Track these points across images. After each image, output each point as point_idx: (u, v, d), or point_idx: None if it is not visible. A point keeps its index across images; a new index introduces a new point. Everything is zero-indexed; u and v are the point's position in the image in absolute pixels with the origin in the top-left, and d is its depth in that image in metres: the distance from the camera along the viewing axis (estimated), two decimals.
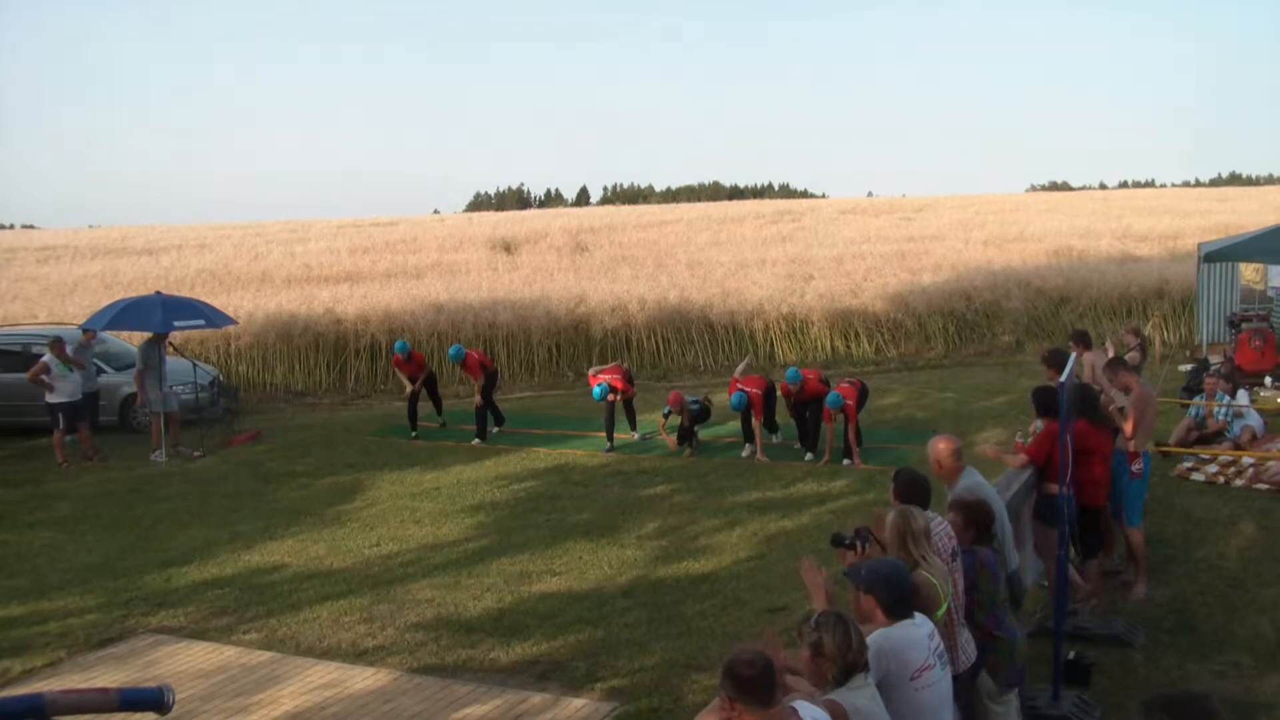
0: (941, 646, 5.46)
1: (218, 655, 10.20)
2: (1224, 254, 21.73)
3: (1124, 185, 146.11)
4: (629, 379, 18.67)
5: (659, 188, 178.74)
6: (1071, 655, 8.63)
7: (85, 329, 19.82)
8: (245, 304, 27.34)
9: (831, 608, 5.27)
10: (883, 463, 15.88)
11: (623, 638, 10.18)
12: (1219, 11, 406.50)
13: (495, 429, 19.67)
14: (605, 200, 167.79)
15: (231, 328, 23.30)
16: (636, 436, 18.66)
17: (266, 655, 10.16)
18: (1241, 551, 11.62)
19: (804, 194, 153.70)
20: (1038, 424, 10.17)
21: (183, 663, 10.07)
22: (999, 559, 6.98)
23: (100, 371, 20.54)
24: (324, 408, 23.93)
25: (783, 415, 18.05)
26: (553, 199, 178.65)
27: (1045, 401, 9.84)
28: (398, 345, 20.26)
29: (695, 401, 17.92)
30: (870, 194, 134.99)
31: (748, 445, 17.37)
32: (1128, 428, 10.48)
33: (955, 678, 5.76)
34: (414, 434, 19.76)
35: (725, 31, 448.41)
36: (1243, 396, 16.77)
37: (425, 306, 26.91)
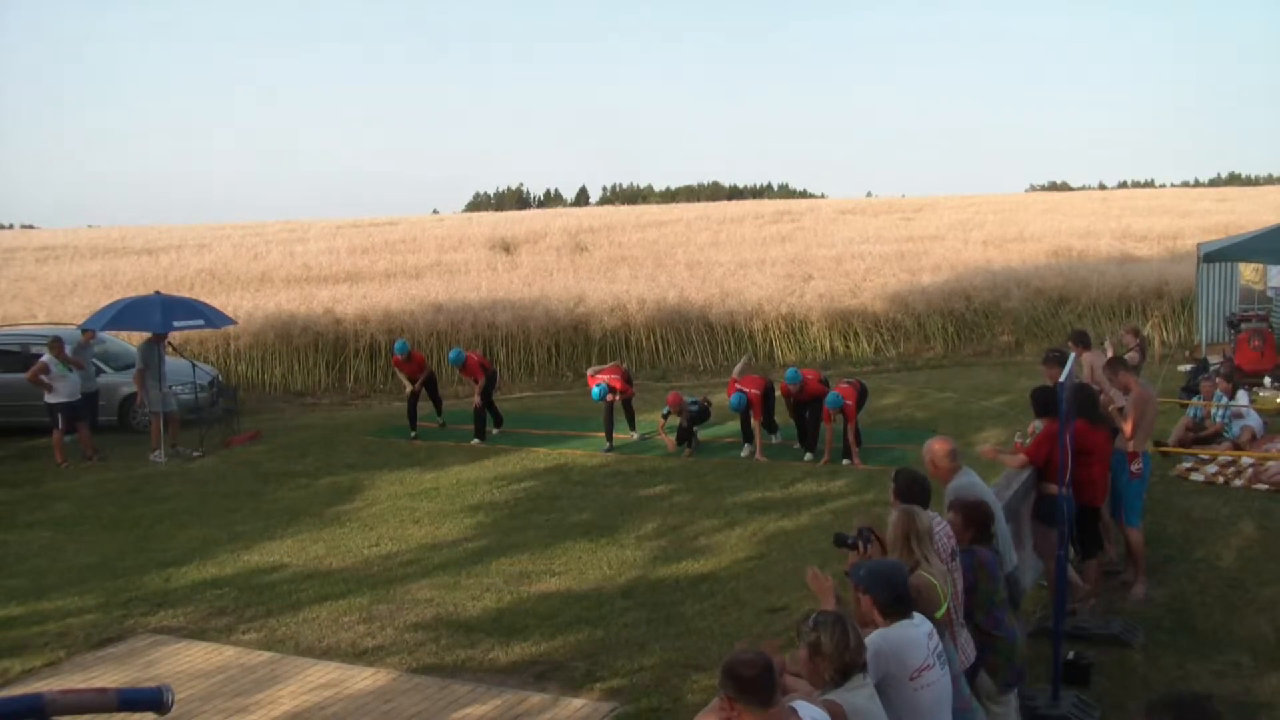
0: (940, 646, 5.46)
1: (217, 655, 10.20)
2: (1223, 254, 21.73)
3: (1123, 185, 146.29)
4: (628, 379, 18.66)
5: (658, 188, 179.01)
6: (1071, 655, 8.63)
7: (84, 329, 19.82)
8: (244, 304, 27.35)
9: (839, 609, 5.27)
10: (882, 463, 15.87)
11: (622, 638, 10.18)
12: (1218, 11, 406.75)
13: (495, 430, 19.64)
14: (604, 200, 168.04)
15: (231, 328, 23.28)
16: (635, 436, 18.66)
17: (266, 655, 10.16)
18: (1240, 551, 11.62)
19: (803, 194, 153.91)
20: (1037, 424, 10.16)
21: (182, 663, 10.06)
22: (998, 559, 6.98)
23: (99, 371, 20.54)
24: (323, 408, 23.93)
25: (782, 415, 18.04)
26: (552, 199, 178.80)
27: (1044, 402, 9.84)
28: (397, 345, 20.24)
29: (694, 402, 17.92)
30: (870, 194, 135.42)
31: (746, 445, 17.36)
32: (1127, 428, 10.49)
33: (954, 678, 5.76)
34: (413, 434, 19.74)
35: (725, 31, 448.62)
36: (1242, 397, 16.78)
37: (424, 306, 26.91)
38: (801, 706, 4.51)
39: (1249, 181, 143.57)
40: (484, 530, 13.78)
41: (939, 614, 5.85)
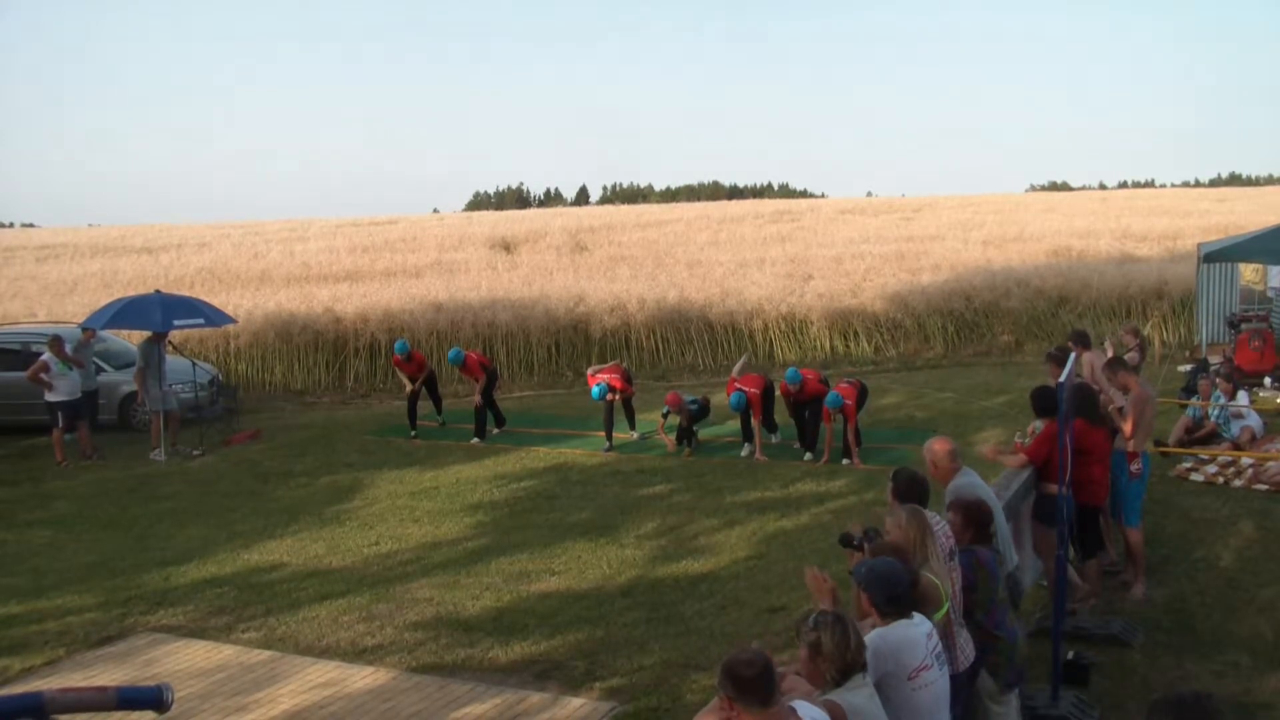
0: (939, 647, 5.46)
1: (216, 654, 10.20)
2: (1223, 254, 21.72)
3: (1123, 185, 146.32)
4: (628, 378, 18.65)
5: (658, 187, 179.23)
6: (1070, 655, 8.63)
7: (84, 328, 19.83)
8: (244, 303, 27.36)
9: (839, 609, 5.27)
10: (882, 463, 15.87)
11: (621, 637, 10.17)
12: (1219, 12, 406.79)
13: (496, 430, 19.64)
14: (605, 200, 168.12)
15: (231, 326, 23.30)
16: (635, 436, 18.66)
17: (265, 654, 10.16)
18: (1240, 551, 11.62)
19: (803, 194, 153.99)
20: (1037, 424, 10.16)
21: (181, 661, 10.06)
22: (998, 559, 6.98)
23: (99, 370, 20.55)
24: (323, 407, 23.94)
25: (782, 415, 18.03)
26: (552, 198, 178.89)
27: (1044, 402, 9.84)
28: (397, 346, 20.25)
29: (694, 401, 17.93)
30: (869, 194, 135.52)
31: (746, 445, 17.36)
32: (1126, 428, 10.49)
33: (954, 678, 5.76)
34: (413, 433, 19.74)
35: (725, 31, 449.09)
36: (1242, 397, 16.77)
37: (424, 306, 26.92)
38: (801, 706, 4.50)
39: (1249, 182, 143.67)
40: (483, 529, 13.78)
41: (940, 615, 5.85)
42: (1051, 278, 29.21)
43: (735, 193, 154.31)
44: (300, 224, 66.09)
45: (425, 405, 20.39)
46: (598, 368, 19.00)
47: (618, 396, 18.21)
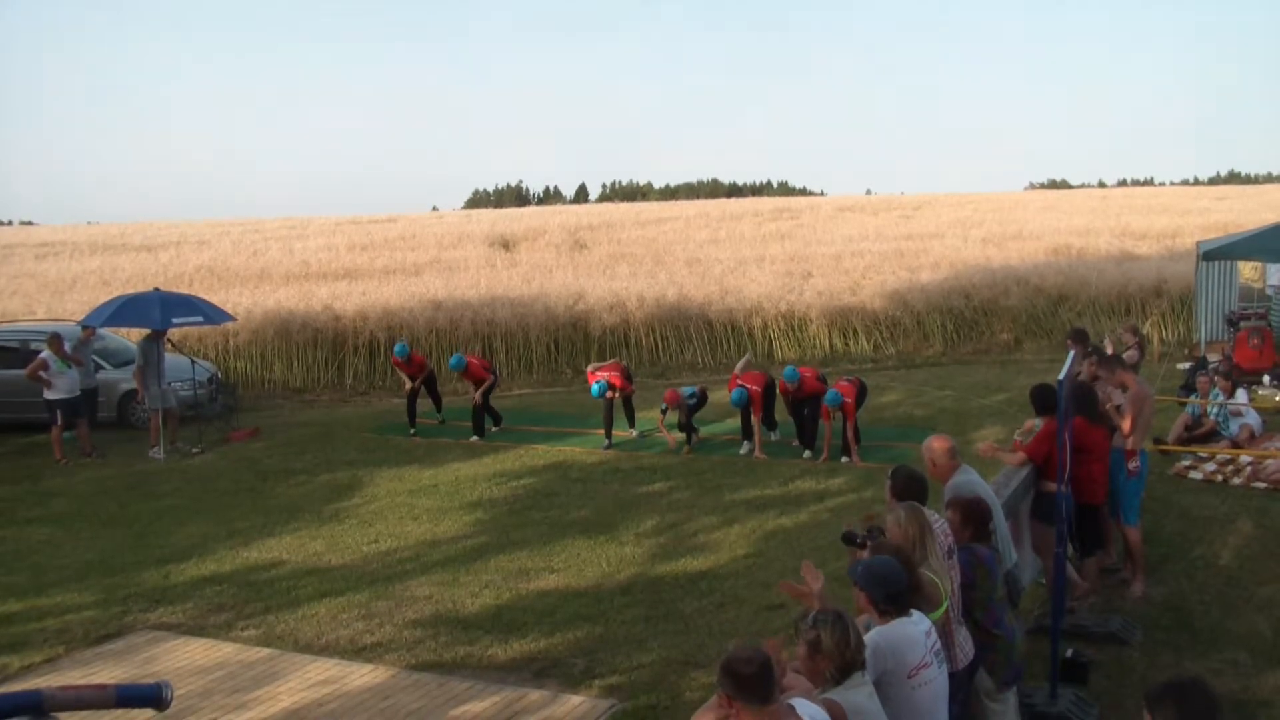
0: (939, 645, 5.47)
1: (216, 652, 10.20)
2: (1222, 252, 21.74)
3: (1123, 183, 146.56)
4: (628, 376, 18.67)
5: (658, 185, 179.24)
6: (1069, 653, 8.64)
7: (84, 325, 19.85)
8: (244, 301, 27.36)
9: (838, 607, 5.27)
10: (881, 460, 15.87)
11: (621, 635, 10.18)
12: (1219, 10, 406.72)
13: (494, 428, 19.67)
14: (604, 197, 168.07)
15: (230, 324, 23.29)
16: (635, 434, 18.67)
17: (265, 652, 10.17)
18: (1239, 550, 11.62)
19: (803, 192, 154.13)
20: (1036, 422, 10.17)
21: (181, 659, 10.07)
22: (996, 557, 6.98)
23: (99, 368, 20.56)
24: (322, 405, 23.94)
25: (781, 414, 18.03)
26: (551, 196, 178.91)
27: (1043, 399, 9.85)
28: (397, 349, 20.30)
29: (691, 395, 17.97)
30: (869, 192, 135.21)
31: (746, 443, 17.36)
32: (1125, 426, 10.49)
33: (952, 675, 5.77)
34: (413, 431, 19.76)
35: (725, 29, 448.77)
36: (1241, 395, 16.78)
37: (424, 304, 26.93)
38: (800, 704, 4.51)
39: (1248, 180, 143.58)
40: (483, 527, 13.78)
41: (939, 613, 5.86)
42: (1051, 276, 29.22)
43: (734, 190, 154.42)
44: (299, 222, 66.10)
45: (425, 404, 20.40)
46: (598, 365, 19.02)
47: (617, 394, 18.22)
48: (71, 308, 26.24)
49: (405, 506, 14.95)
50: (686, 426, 17.86)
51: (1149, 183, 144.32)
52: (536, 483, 16.01)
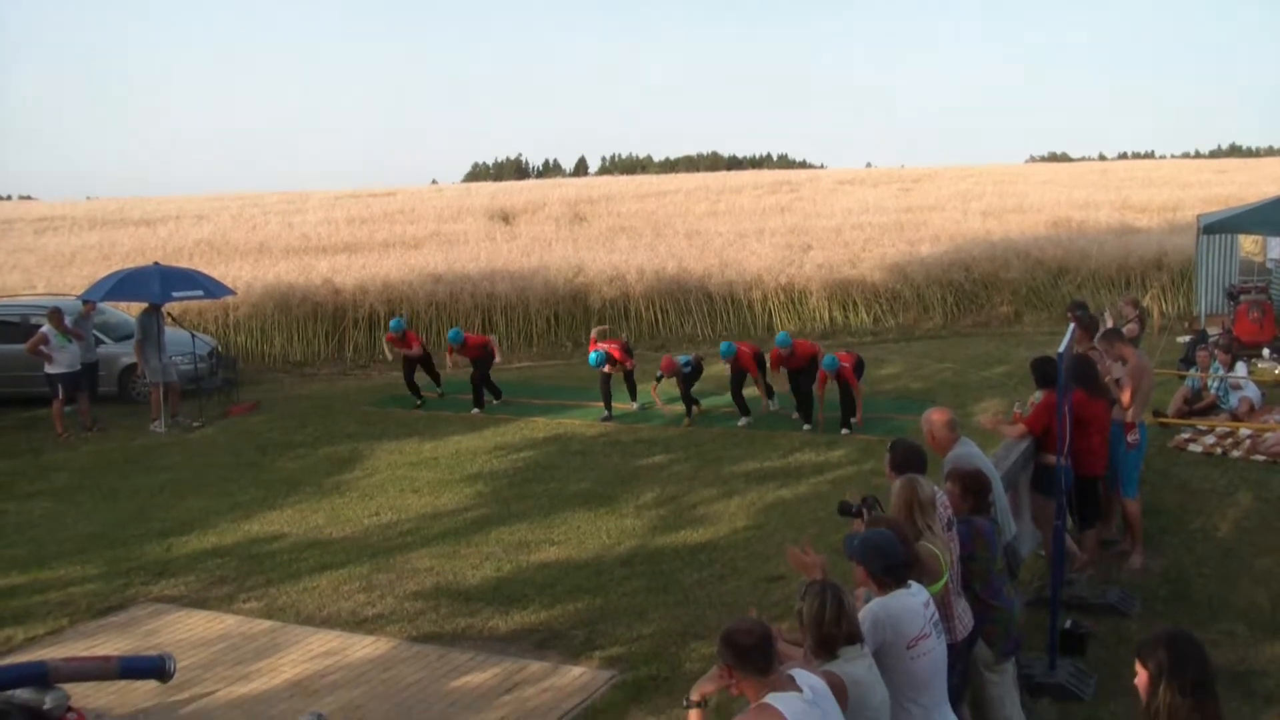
0: (937, 616, 5.49)
1: (218, 624, 10.26)
2: (1223, 225, 21.72)
3: (1123, 156, 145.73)
4: (627, 351, 18.70)
5: (657, 158, 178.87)
6: (1068, 624, 8.67)
7: (84, 300, 19.84)
8: (243, 274, 27.30)
9: (828, 580, 5.28)
10: (880, 433, 15.90)
11: (621, 606, 10.23)
12: None
13: (494, 401, 19.71)
14: (603, 170, 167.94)
15: (230, 298, 23.25)
16: (636, 406, 18.68)
17: (267, 624, 10.23)
18: (1237, 522, 11.66)
19: (802, 165, 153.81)
20: (1036, 395, 10.19)
21: (183, 631, 10.13)
22: (996, 529, 7.00)
23: (99, 342, 20.54)
24: (322, 378, 23.94)
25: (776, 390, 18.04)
26: (551, 169, 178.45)
27: (1043, 372, 9.86)
28: (393, 323, 20.40)
29: (687, 363, 17.90)
30: (869, 165, 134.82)
31: (744, 418, 17.40)
32: (1124, 398, 10.50)
33: (951, 647, 5.79)
34: (419, 402, 20.02)
35: (724, 2, 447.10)
36: (1240, 368, 16.80)
37: (423, 277, 26.86)
38: (799, 674, 4.54)
39: (1249, 153, 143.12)
40: (483, 500, 13.81)
41: (939, 585, 5.88)
42: (1051, 249, 29.14)
43: (734, 163, 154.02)
44: (298, 196, 65.90)
45: (425, 380, 20.43)
46: (602, 331, 19.13)
47: (617, 369, 18.27)
48: (71, 282, 26.21)
49: (406, 479, 14.98)
50: (686, 399, 17.89)
51: (1150, 156, 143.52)
52: (537, 455, 16.04)
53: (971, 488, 6.88)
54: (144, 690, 8.57)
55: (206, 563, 11.95)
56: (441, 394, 20.52)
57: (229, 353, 23.97)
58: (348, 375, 24.26)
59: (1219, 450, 14.28)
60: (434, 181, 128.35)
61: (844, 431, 16.42)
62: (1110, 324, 14.00)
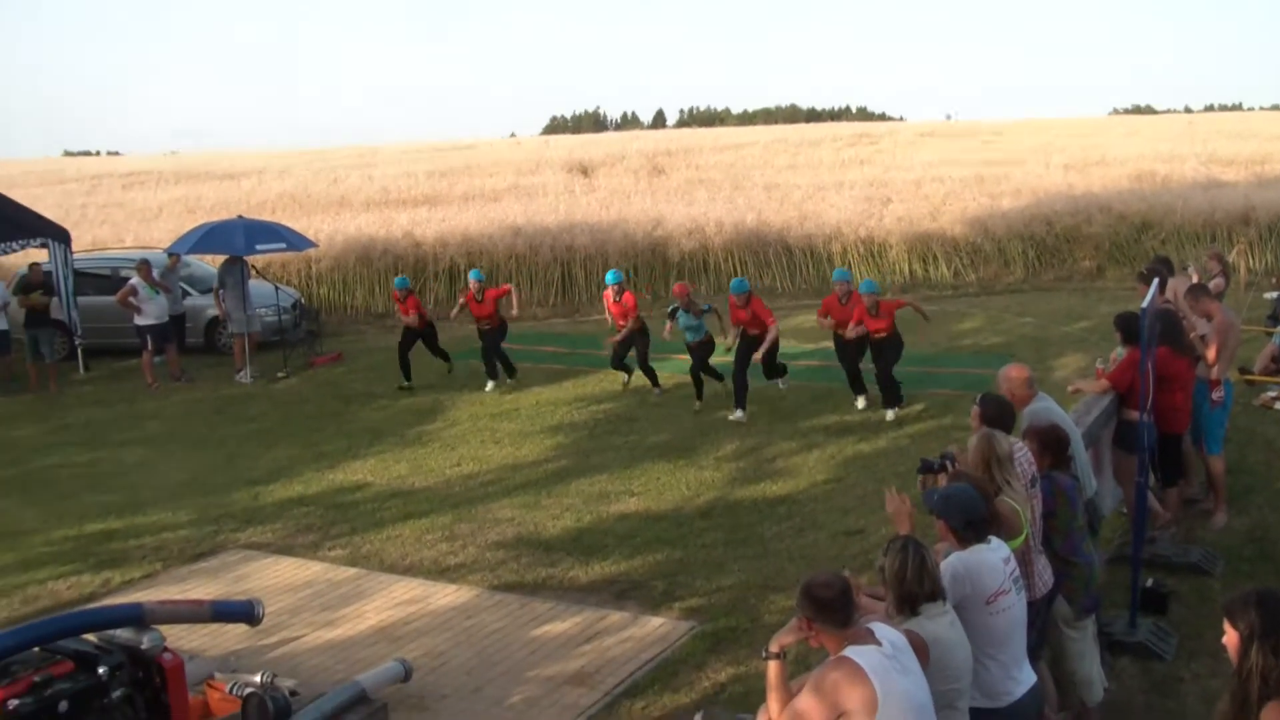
0: (1017, 572, 5.48)
1: (304, 571, 10.48)
2: None
3: (1210, 109, 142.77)
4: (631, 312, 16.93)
5: (735, 111, 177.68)
6: (1149, 583, 8.63)
7: (170, 253, 20.18)
8: (325, 227, 27.54)
9: (911, 535, 5.30)
10: (957, 388, 15.83)
11: (700, 558, 10.32)
12: None
13: (509, 380, 18.05)
14: (682, 123, 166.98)
15: (312, 251, 23.52)
16: (658, 393, 16.97)
17: (351, 571, 10.43)
18: None
19: (881, 117, 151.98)
20: (1119, 350, 10.10)
21: (271, 577, 10.36)
22: (1076, 485, 6.98)
23: (186, 294, 20.89)
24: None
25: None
26: (629, 122, 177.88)
27: (1129, 327, 9.76)
28: (397, 281, 19.00)
29: (708, 308, 16.45)
30: (949, 117, 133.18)
31: (739, 411, 15.42)
32: (1210, 355, 10.38)
33: (1031, 604, 5.79)
34: (406, 384, 18.18)
35: None
36: None
37: (503, 229, 26.95)
38: (878, 628, 4.58)
39: None
40: (563, 451, 13.93)
41: (1019, 541, 5.88)
42: (1134, 203, 28.65)
43: (813, 116, 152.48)
44: (377, 149, 66.32)
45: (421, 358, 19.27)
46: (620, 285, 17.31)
47: (625, 326, 16.83)
48: (158, 236, 26.59)
49: (487, 430, 15.13)
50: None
51: (1237, 108, 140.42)
52: (616, 407, 16.13)
53: (1049, 444, 6.85)
54: (234, 634, 8.77)
55: (292, 511, 12.19)
56: (451, 369, 19.11)
57: (312, 305, 24.24)
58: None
59: None
60: (512, 134, 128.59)
61: (889, 415, 14.96)
62: (1195, 279, 13.80)
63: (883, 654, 4.42)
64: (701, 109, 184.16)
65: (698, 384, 16.21)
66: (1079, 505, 6.87)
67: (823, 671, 4.44)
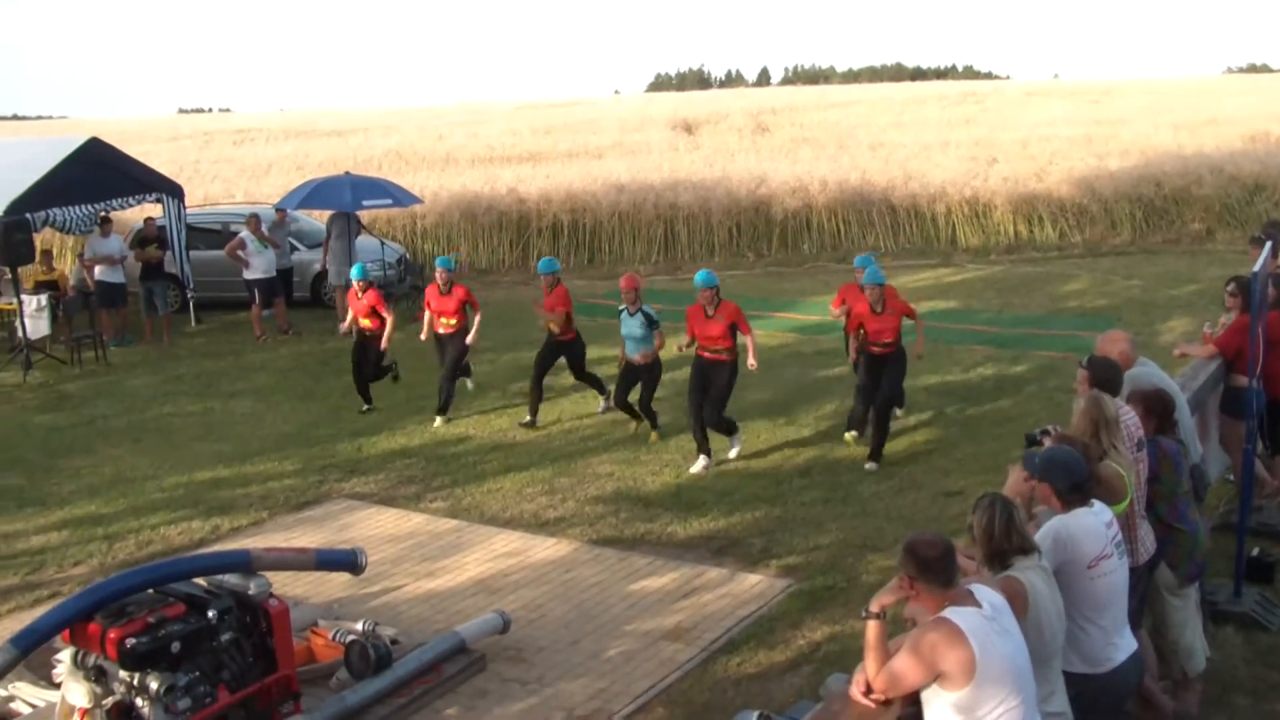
0: (1120, 537, 5.40)
1: (406, 522, 10.65)
2: None
3: None
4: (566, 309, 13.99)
5: (840, 69, 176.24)
6: (1255, 552, 8.49)
7: (278, 208, 20.49)
8: (430, 184, 27.72)
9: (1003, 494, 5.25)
10: (1062, 350, 15.62)
11: (798, 516, 10.33)
12: None
13: (470, 385, 15.60)
14: (786, 81, 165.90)
15: (417, 207, 23.75)
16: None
17: (452, 523, 10.58)
18: None
19: (988, 76, 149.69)
20: (1227, 315, 9.91)
21: (373, 527, 10.54)
22: (1182, 450, 6.88)
23: (293, 249, 21.21)
24: (506, 285, 24.25)
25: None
26: (733, 80, 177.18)
27: (1240, 291, 9.54)
28: (355, 270, 15.16)
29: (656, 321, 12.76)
30: (1056, 76, 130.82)
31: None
32: None
33: (1133, 570, 5.72)
34: (366, 408, 14.71)
35: None
36: None
37: (607, 187, 26.98)
38: (979, 589, 4.56)
39: None
40: (663, 407, 13.90)
41: (1123, 506, 5.81)
42: (1247, 164, 27.90)
43: (918, 74, 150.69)
44: (481, 106, 66.70)
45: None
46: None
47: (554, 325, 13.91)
48: (268, 191, 26.99)
49: (587, 386, 15.19)
50: (644, 406, 12.85)
51: None
52: None
53: (1154, 408, 6.76)
54: (337, 581, 8.95)
55: (395, 463, 12.37)
56: (396, 377, 15.60)
57: (416, 260, 24.48)
58: (531, 283, 24.56)
59: None
60: (616, 92, 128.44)
61: (898, 412, 12.83)
62: None
63: (982, 615, 4.40)
64: (806, 67, 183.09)
65: (649, 415, 12.90)
66: (1184, 471, 6.77)
67: (921, 632, 4.44)
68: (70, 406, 15.55)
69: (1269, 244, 9.65)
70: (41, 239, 19.90)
